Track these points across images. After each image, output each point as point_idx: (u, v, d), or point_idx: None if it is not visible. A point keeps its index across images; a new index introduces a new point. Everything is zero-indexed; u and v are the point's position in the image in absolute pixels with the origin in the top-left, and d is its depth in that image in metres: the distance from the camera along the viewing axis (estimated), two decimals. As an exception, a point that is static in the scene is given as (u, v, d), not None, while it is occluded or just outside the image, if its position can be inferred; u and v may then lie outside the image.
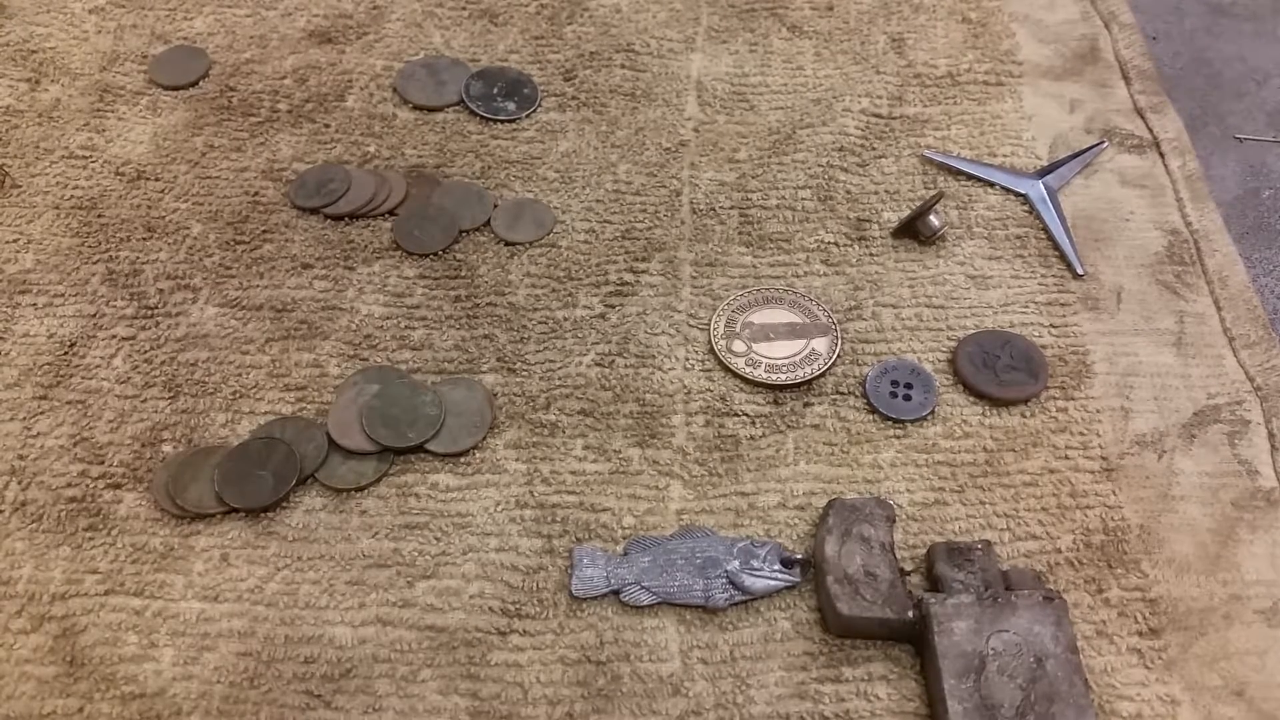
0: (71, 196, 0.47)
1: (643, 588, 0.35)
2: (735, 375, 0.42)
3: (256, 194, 0.47)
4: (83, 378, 0.41)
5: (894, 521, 0.37)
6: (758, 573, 0.35)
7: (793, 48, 0.55)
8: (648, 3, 0.57)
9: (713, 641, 0.35)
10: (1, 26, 0.54)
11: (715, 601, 0.35)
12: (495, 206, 0.47)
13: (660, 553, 0.36)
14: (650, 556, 0.36)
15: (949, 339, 0.43)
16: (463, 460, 0.39)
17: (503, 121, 0.51)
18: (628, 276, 0.45)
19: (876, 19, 0.56)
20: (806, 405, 0.41)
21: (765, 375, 0.41)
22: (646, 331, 0.43)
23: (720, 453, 0.40)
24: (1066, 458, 0.40)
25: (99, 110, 0.51)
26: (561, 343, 0.43)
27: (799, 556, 0.36)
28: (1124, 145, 0.51)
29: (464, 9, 0.56)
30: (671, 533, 0.37)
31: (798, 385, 0.41)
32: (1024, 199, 0.48)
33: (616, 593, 0.35)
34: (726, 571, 0.35)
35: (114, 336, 0.42)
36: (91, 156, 0.49)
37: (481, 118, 0.51)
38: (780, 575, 0.35)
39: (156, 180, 0.48)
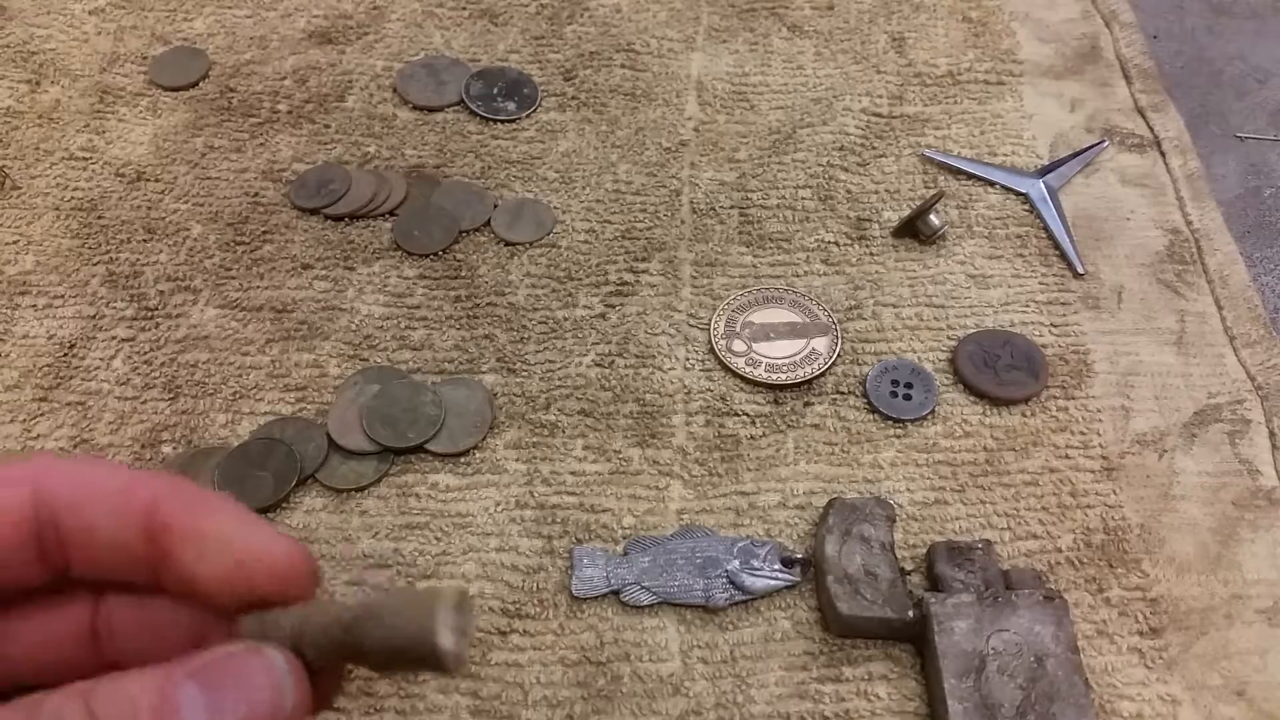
0: (72, 198, 0.47)
1: (643, 588, 0.35)
2: (735, 375, 0.42)
3: (256, 195, 0.47)
4: (82, 379, 0.41)
5: (894, 521, 0.37)
6: (758, 572, 0.35)
7: (793, 47, 0.55)
8: (648, 2, 0.57)
9: (713, 641, 0.35)
10: (1, 28, 0.54)
11: (715, 601, 0.35)
12: (495, 206, 0.47)
13: (660, 552, 0.36)
14: (650, 556, 0.36)
15: (949, 338, 0.43)
16: (463, 460, 0.39)
17: (503, 121, 0.51)
18: (628, 276, 0.45)
19: (877, 18, 0.56)
20: (807, 405, 0.41)
21: (765, 375, 0.41)
22: (646, 331, 0.43)
23: (720, 452, 0.40)
24: (1067, 457, 0.40)
25: (99, 111, 0.51)
26: (561, 343, 0.43)
27: (799, 556, 0.36)
28: (1125, 144, 0.51)
29: (464, 9, 0.56)
30: (671, 533, 0.37)
31: (798, 385, 0.41)
32: (1024, 198, 0.48)
33: (616, 593, 0.35)
34: (726, 571, 0.35)
35: (114, 338, 0.42)
36: (91, 158, 0.49)
37: (481, 118, 0.51)
38: (780, 575, 0.35)
39: (156, 181, 0.48)
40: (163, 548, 0.22)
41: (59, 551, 0.22)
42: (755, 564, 0.36)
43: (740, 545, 0.36)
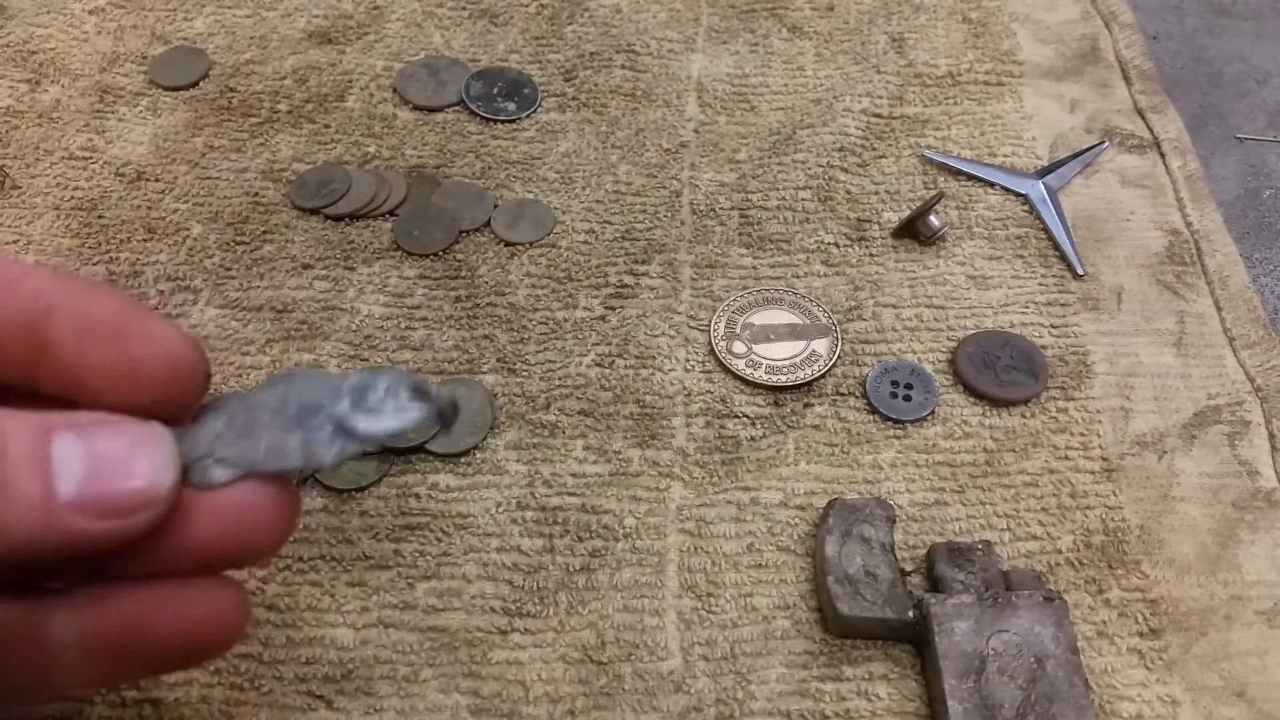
0: (72, 198, 0.47)
1: (216, 460, 0.25)
2: (735, 377, 0.42)
3: (256, 195, 0.47)
4: (83, 378, 0.41)
5: (894, 522, 0.37)
6: (376, 412, 0.26)
7: (793, 48, 0.55)
8: (648, 3, 0.57)
9: (713, 639, 0.35)
10: (1, 27, 0.54)
11: (320, 459, 0.25)
12: (495, 207, 0.47)
13: (241, 409, 0.26)
14: (225, 418, 0.26)
15: (949, 339, 0.43)
16: (463, 461, 0.39)
17: (503, 121, 0.51)
18: (628, 279, 0.45)
19: (877, 19, 0.56)
20: (807, 406, 0.41)
21: (765, 376, 0.41)
22: (646, 333, 0.43)
23: (721, 454, 0.40)
24: (1067, 458, 0.40)
25: (99, 111, 0.51)
26: (561, 343, 0.43)
27: (436, 394, 0.26)
28: (1124, 145, 0.51)
29: (464, 9, 0.56)
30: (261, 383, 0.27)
31: (798, 386, 0.41)
32: (1024, 199, 0.48)
33: (186, 473, 0.24)
34: (333, 416, 0.26)
35: (114, 337, 0.42)
36: (91, 158, 0.49)
37: (481, 118, 0.51)
38: (408, 408, 0.26)
39: (157, 181, 0.48)
40: (45, 339, 0.20)
41: None
42: (372, 401, 0.26)
43: (351, 383, 0.26)
